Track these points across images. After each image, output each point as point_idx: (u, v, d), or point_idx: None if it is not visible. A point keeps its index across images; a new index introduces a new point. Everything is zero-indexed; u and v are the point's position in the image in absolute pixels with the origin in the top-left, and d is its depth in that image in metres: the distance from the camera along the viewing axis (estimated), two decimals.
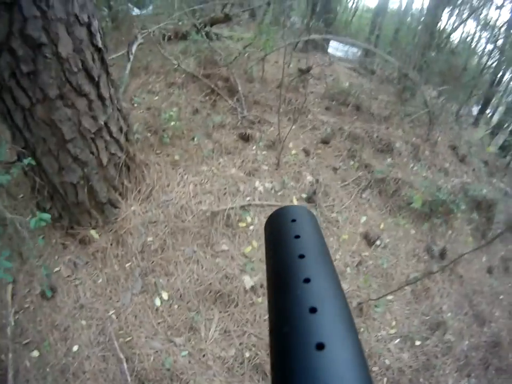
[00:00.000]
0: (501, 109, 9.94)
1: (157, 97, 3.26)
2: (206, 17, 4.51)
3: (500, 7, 8.59)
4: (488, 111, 9.66)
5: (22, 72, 1.72)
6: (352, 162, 3.29)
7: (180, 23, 4.33)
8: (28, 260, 2.14)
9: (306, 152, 3.15)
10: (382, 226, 2.85)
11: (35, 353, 1.89)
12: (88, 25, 1.83)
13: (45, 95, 1.79)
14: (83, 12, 1.78)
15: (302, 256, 0.27)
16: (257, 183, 2.58)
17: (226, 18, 4.72)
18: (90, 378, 1.84)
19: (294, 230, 0.31)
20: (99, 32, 1.92)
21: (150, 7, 5.83)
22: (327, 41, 6.03)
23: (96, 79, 1.92)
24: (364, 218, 2.83)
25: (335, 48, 7.58)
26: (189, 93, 3.34)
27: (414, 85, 4.25)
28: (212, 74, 3.56)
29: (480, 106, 8.24)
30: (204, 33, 3.78)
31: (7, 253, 1.64)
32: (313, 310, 0.23)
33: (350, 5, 12.70)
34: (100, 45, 1.92)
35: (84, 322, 2.00)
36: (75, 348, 1.91)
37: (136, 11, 5.45)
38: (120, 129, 2.20)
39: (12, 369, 1.80)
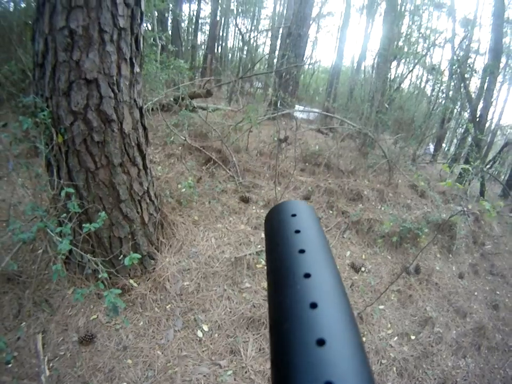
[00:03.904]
0: (455, 141, 11.97)
1: (160, 167, 4.23)
2: (190, 92, 5.73)
3: (442, 46, 10.90)
4: (444, 145, 11.61)
5: (94, 140, 2.24)
6: (331, 212, 4.45)
7: (164, 96, 5.37)
8: (58, 310, 2.54)
9: None
10: (363, 256, 3.90)
11: None
12: (141, 108, 2.49)
13: (109, 162, 2.35)
14: (139, 97, 2.45)
15: (302, 251, 0.30)
16: (263, 235, 3.58)
17: (208, 94, 5.97)
18: None
19: (294, 224, 0.34)
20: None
21: None
22: (293, 107, 7.59)
23: (144, 152, 2.60)
24: (348, 253, 3.89)
25: (298, 110, 9.28)
26: (188, 164, 4.37)
27: (373, 141, 5.70)
28: (206, 147, 4.71)
29: (434, 145, 10.13)
30: (190, 108, 4.92)
31: None
32: (313, 305, 0.25)
33: (306, 67, 15.31)
34: (146, 125, 2.63)
35: (129, 361, 2.33)
36: None
37: None
38: (155, 194, 2.93)
39: None
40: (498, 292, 4.30)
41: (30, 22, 2.78)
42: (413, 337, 3.16)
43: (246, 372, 2.50)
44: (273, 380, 0.24)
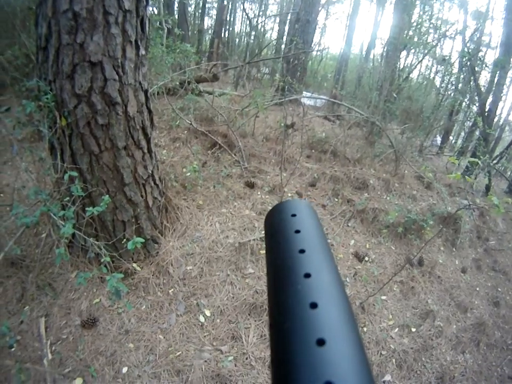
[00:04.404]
0: (463, 134, 11.84)
1: (165, 151, 4.21)
2: (196, 76, 5.67)
3: (452, 38, 10.75)
4: (451, 138, 11.48)
5: (98, 123, 2.22)
6: (336, 199, 4.41)
7: (170, 80, 5.30)
8: (61, 293, 2.55)
9: (299, 194, 4.22)
10: (367, 246, 3.87)
11: (78, 381, 2.10)
12: (146, 91, 2.47)
13: (113, 145, 2.33)
14: (144, 80, 2.43)
15: (302, 251, 0.30)
16: None
17: (215, 78, 5.93)
18: None
19: (294, 224, 0.34)
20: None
21: None
22: (300, 93, 7.49)
23: (149, 135, 2.58)
24: (352, 242, 3.85)
25: (305, 96, 9.18)
26: (193, 148, 4.34)
27: (380, 130, 5.63)
28: (211, 131, 4.65)
29: (441, 137, 10.02)
30: (196, 92, 4.88)
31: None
32: (313, 305, 0.25)
33: (314, 53, 15.09)
34: (151, 108, 2.60)
35: (131, 345, 2.35)
36: (124, 370, 2.21)
37: None
38: (159, 178, 2.91)
39: None
40: (499, 289, 4.28)
41: (33, 7, 2.70)
42: (413, 329, 3.15)
43: (246, 358, 2.50)
44: (273, 379, 0.24)
